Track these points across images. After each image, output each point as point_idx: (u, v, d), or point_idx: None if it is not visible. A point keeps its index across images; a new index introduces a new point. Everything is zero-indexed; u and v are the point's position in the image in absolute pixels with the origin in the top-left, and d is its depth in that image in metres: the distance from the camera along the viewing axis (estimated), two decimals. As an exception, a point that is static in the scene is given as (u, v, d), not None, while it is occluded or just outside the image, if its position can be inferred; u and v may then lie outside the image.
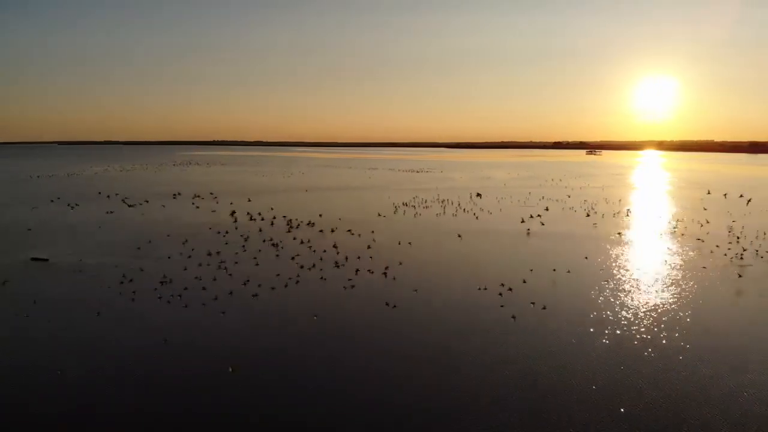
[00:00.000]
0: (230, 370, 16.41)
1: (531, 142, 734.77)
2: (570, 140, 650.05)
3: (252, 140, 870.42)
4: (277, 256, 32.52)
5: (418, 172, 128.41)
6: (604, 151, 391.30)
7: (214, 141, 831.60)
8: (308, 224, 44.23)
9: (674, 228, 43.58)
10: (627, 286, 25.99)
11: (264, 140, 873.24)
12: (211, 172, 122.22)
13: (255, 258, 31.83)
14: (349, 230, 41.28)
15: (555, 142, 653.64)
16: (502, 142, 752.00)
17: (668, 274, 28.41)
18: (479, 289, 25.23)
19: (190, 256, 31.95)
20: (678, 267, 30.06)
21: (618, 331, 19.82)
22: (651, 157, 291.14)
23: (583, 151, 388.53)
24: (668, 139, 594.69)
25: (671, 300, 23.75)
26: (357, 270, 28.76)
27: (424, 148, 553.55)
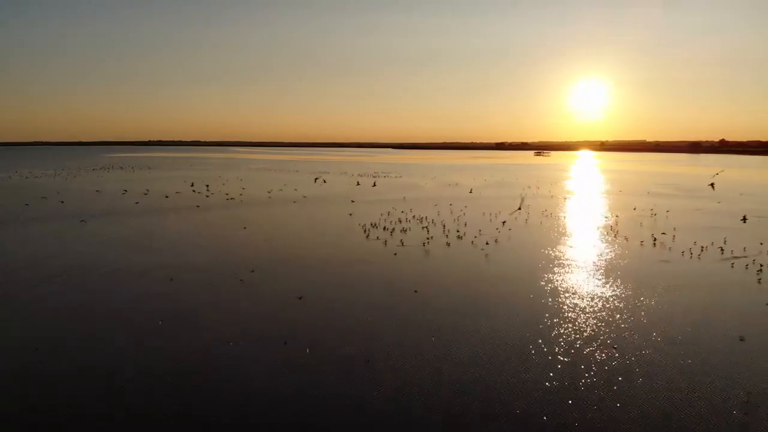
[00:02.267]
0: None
1: (474, 143, 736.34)
2: (512, 141, 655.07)
3: (190, 140, 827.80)
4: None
5: (374, 176, 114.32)
6: (551, 152, 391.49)
7: (150, 141, 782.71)
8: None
9: None
10: None
11: (204, 140, 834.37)
12: (132, 179, 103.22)
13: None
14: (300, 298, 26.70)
15: (498, 143, 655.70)
16: (446, 143, 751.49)
17: None
18: None
19: None
20: None
21: None
22: (598, 158, 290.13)
23: (531, 152, 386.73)
24: (604, 139, 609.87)
25: None
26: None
27: (370, 149, 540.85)
